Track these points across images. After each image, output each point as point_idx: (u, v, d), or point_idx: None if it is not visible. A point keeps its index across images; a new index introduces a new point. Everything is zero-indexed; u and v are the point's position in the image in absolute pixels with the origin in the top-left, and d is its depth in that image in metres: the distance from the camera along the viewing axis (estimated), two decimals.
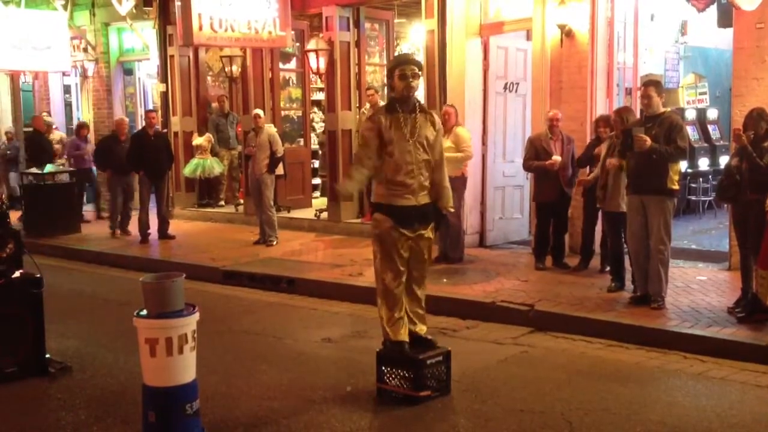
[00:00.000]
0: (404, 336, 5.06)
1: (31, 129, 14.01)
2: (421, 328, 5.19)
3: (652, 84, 6.91)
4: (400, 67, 4.96)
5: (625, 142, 6.79)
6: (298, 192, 13.10)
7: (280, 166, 11.97)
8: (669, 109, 7.33)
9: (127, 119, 12.72)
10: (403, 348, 5.03)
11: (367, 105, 11.11)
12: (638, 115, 7.56)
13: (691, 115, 12.59)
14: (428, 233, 5.12)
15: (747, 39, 7.96)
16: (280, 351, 6.29)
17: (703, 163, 12.28)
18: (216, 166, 13.04)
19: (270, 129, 10.73)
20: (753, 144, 6.38)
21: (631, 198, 6.90)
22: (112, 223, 11.85)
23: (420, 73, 5.05)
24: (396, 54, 5.39)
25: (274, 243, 10.52)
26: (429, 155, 5.03)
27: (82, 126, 13.81)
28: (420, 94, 12.76)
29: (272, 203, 10.72)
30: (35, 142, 13.31)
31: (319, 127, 14.42)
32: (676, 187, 6.79)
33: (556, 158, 8.31)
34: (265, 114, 12.67)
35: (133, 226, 11.57)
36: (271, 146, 10.49)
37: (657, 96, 6.75)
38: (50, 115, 14.85)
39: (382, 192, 5.05)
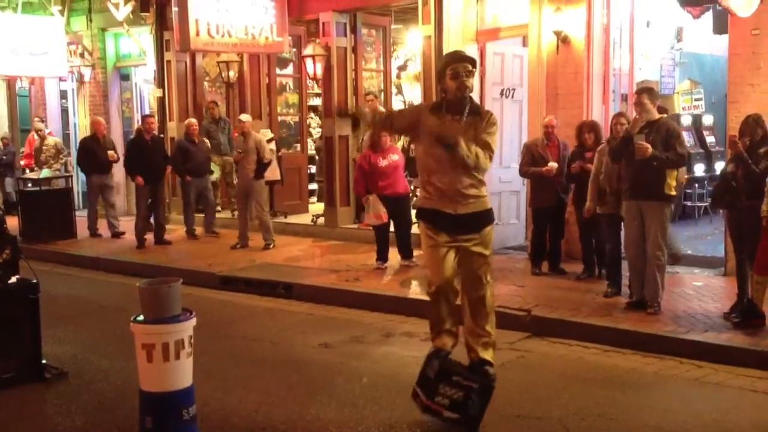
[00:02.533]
0: (442, 344, 4.69)
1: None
2: (479, 355, 4.69)
3: (645, 91, 6.92)
4: (452, 66, 4.56)
5: (625, 149, 6.79)
6: (294, 197, 13.12)
7: (277, 171, 12.01)
8: (665, 115, 7.36)
9: (195, 121, 12.05)
10: (436, 354, 4.65)
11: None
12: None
13: (686, 121, 12.63)
14: (477, 248, 4.61)
15: (742, 45, 8.00)
16: (277, 356, 6.29)
17: (699, 169, 12.31)
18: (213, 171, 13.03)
19: (257, 135, 10.78)
20: (749, 150, 6.40)
21: (629, 204, 6.91)
22: (189, 227, 11.66)
23: (474, 70, 4.58)
24: (450, 52, 5.09)
25: (271, 246, 10.54)
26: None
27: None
28: (417, 101, 12.86)
29: (264, 207, 10.74)
30: (89, 151, 12.06)
31: (316, 132, 14.44)
32: (673, 193, 6.82)
33: (552, 164, 8.33)
34: (262, 119, 12.75)
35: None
36: (258, 152, 10.52)
37: (651, 103, 6.77)
38: (42, 121, 14.78)
39: (420, 193, 4.87)
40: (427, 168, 4.67)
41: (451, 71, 4.56)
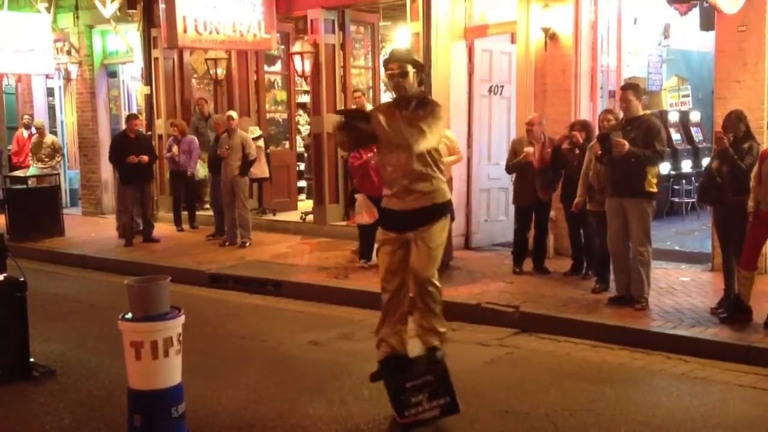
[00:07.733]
0: (385, 351, 4.72)
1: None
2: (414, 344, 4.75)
3: (630, 88, 6.96)
4: (388, 66, 4.61)
5: (603, 146, 6.84)
6: (283, 195, 13.10)
7: (265, 168, 11.98)
8: (649, 111, 7.38)
9: (224, 116, 11.26)
10: (382, 367, 4.71)
11: (354, 108, 11.12)
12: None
13: (673, 117, 12.69)
14: (419, 237, 4.55)
15: (729, 42, 8.04)
16: (267, 354, 6.29)
17: (686, 165, 12.38)
18: (201, 169, 12.99)
19: (242, 132, 10.76)
20: (733, 146, 6.43)
21: (611, 201, 6.95)
22: (219, 227, 11.24)
23: (409, 69, 4.54)
24: (392, 50, 4.98)
25: (248, 244, 10.52)
26: (412, 157, 4.49)
27: (179, 125, 12.12)
28: None
29: (247, 204, 10.71)
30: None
31: (305, 129, 14.41)
32: (654, 189, 6.84)
33: (528, 149, 8.30)
34: (250, 117, 12.72)
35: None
36: (244, 149, 10.49)
37: (636, 99, 6.81)
38: (33, 118, 14.70)
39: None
40: (383, 166, 4.70)
41: (387, 72, 4.61)
